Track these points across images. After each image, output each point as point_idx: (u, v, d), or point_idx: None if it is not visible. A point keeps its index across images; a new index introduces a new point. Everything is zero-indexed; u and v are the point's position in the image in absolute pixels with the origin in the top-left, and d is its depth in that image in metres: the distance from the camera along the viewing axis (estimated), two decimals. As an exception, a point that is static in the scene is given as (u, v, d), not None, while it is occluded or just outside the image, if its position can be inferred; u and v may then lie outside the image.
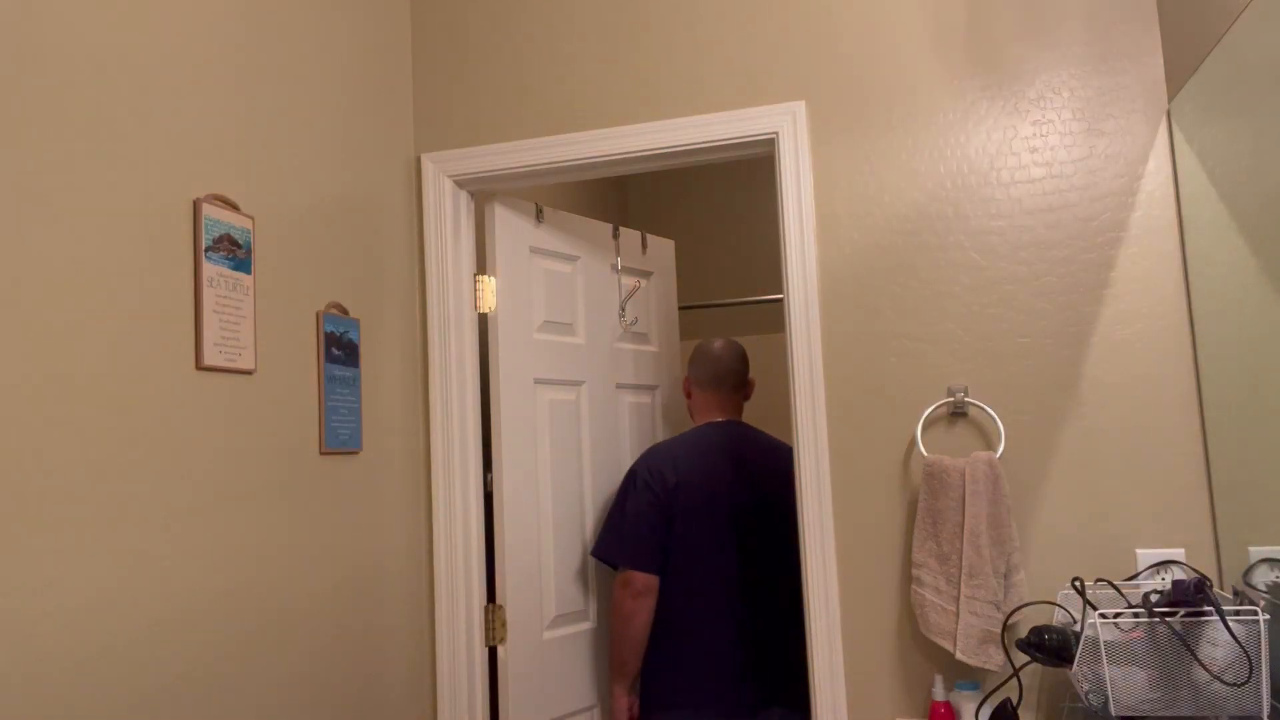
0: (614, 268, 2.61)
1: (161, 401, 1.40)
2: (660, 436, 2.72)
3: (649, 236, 2.75)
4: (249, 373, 1.60)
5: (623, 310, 2.61)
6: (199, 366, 1.48)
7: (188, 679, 1.41)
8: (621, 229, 2.65)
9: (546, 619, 2.29)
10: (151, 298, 1.40)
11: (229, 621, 1.51)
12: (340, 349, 1.86)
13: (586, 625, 2.41)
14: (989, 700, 1.77)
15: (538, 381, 2.34)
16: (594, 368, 2.51)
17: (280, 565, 1.64)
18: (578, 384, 2.46)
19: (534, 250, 2.38)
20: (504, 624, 2.18)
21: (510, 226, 2.32)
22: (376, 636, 1.93)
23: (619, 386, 2.59)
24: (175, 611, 1.40)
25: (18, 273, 1.18)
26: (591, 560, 2.44)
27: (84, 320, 1.27)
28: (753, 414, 3.12)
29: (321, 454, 1.78)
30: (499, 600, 2.19)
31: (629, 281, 2.65)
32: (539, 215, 2.40)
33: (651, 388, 2.72)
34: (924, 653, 1.87)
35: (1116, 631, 1.44)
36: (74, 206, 1.27)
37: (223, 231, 1.54)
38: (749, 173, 3.98)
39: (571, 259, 2.50)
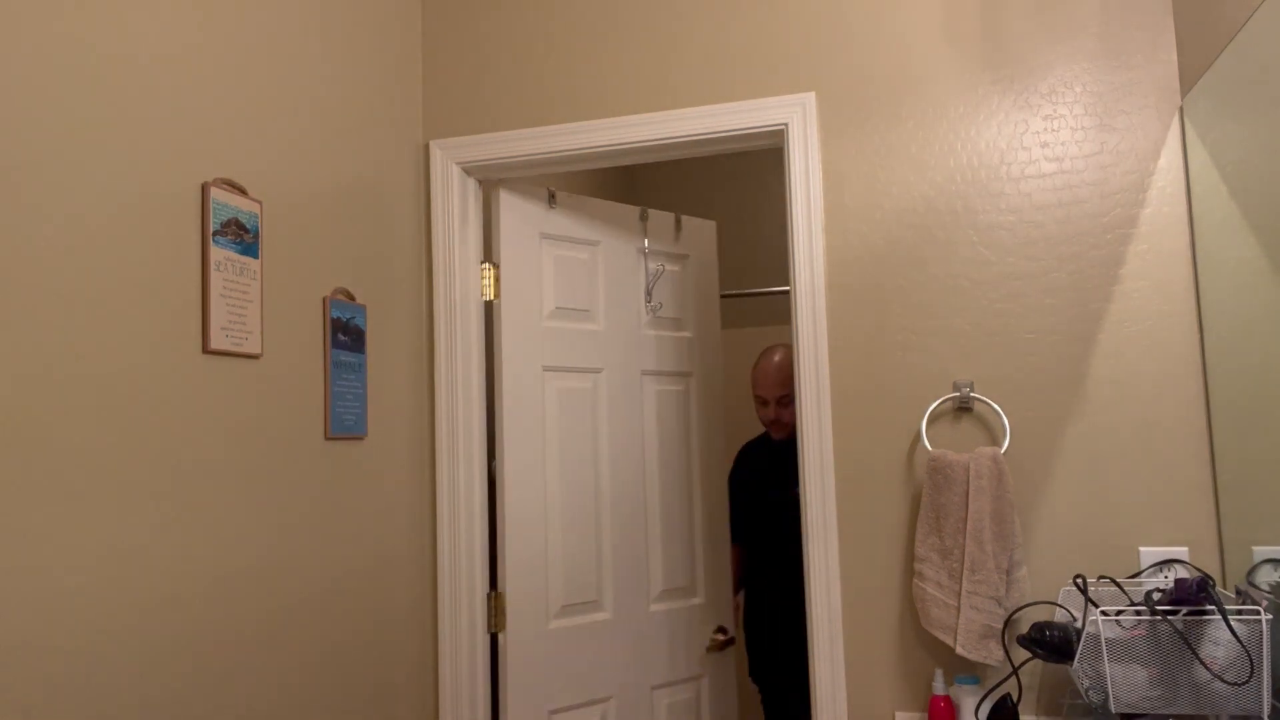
0: (640, 251, 2.52)
1: (168, 385, 1.40)
2: (694, 426, 2.61)
3: (684, 218, 2.65)
4: (255, 357, 1.60)
5: (649, 295, 2.53)
6: (205, 350, 1.48)
7: (192, 661, 1.42)
8: (651, 211, 2.57)
9: (553, 608, 2.28)
10: (158, 281, 1.40)
11: (233, 605, 1.52)
12: (346, 334, 1.86)
13: (600, 616, 2.35)
14: (989, 697, 1.77)
15: (546, 369, 2.32)
16: (614, 354, 2.44)
17: (284, 550, 1.65)
18: (594, 371, 2.40)
19: (545, 236, 2.35)
20: (503, 611, 2.18)
21: (517, 213, 2.31)
22: (379, 621, 1.94)
23: (645, 373, 2.50)
24: (180, 594, 1.41)
25: (26, 255, 1.18)
26: (608, 551, 2.38)
27: (91, 303, 1.28)
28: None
29: (327, 439, 1.79)
30: (500, 588, 2.20)
31: (655, 265, 2.57)
32: (551, 200, 2.37)
33: (684, 374, 2.61)
34: (925, 647, 1.87)
35: (1118, 629, 1.44)
36: (82, 189, 1.27)
37: (230, 215, 1.54)
38: (758, 163, 3.97)
39: (591, 244, 2.43)
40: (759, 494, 2.79)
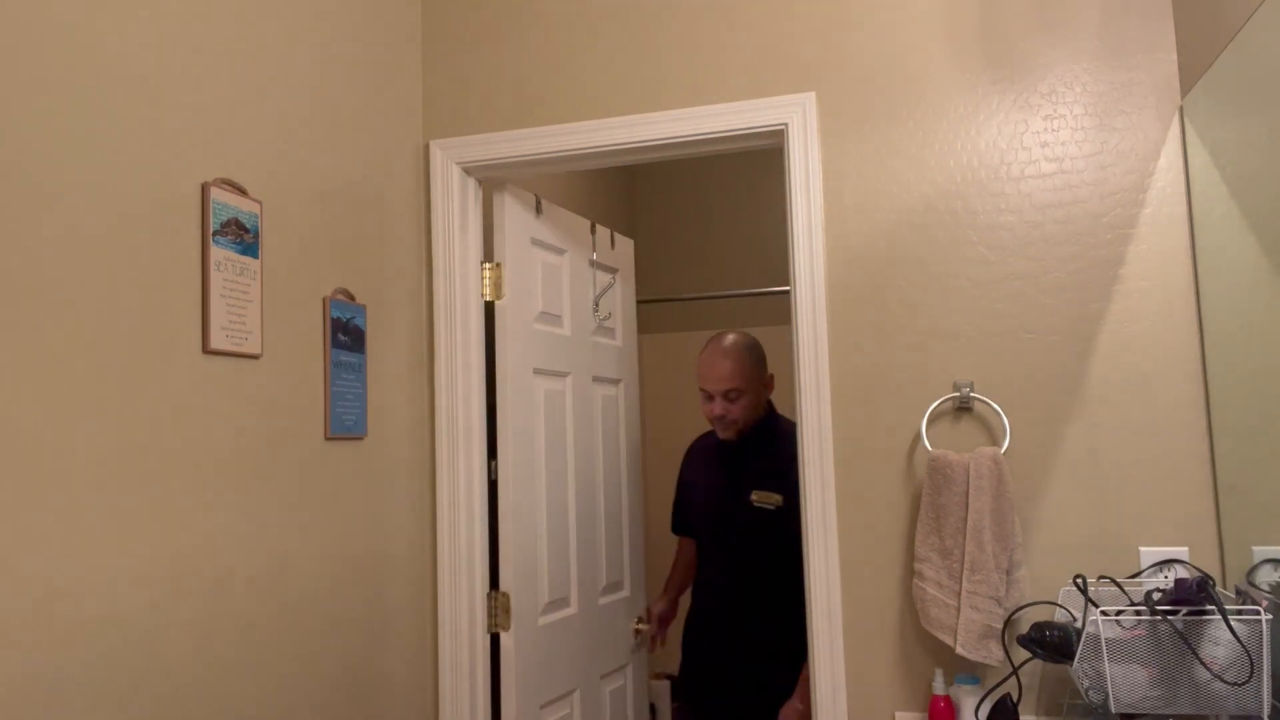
0: (591, 263, 2.63)
1: (167, 384, 1.41)
2: (624, 430, 2.73)
3: (615, 235, 2.78)
4: (255, 357, 1.60)
5: (596, 304, 2.64)
6: (205, 350, 1.48)
7: (191, 661, 1.42)
8: (597, 226, 2.68)
9: (541, 605, 2.31)
10: (158, 281, 1.40)
11: (232, 605, 1.52)
12: (346, 334, 1.86)
13: (569, 611, 2.42)
14: (989, 697, 1.77)
15: (536, 371, 2.35)
16: (577, 359, 2.53)
17: (283, 550, 1.65)
18: (564, 375, 2.48)
19: (534, 241, 2.39)
20: (508, 611, 2.18)
21: (515, 215, 2.32)
22: (379, 622, 1.94)
23: (595, 379, 2.62)
24: (178, 594, 1.41)
25: (26, 256, 1.19)
26: (576, 548, 2.44)
27: (90, 303, 1.28)
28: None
29: (326, 439, 1.79)
30: (503, 587, 2.20)
31: (605, 277, 2.70)
32: (538, 207, 2.40)
33: (615, 381, 2.74)
34: (925, 646, 1.87)
35: (1118, 629, 1.44)
36: (81, 189, 1.27)
37: (230, 215, 1.55)
38: (759, 162, 3.97)
39: (561, 252, 2.51)
40: (705, 502, 2.59)
